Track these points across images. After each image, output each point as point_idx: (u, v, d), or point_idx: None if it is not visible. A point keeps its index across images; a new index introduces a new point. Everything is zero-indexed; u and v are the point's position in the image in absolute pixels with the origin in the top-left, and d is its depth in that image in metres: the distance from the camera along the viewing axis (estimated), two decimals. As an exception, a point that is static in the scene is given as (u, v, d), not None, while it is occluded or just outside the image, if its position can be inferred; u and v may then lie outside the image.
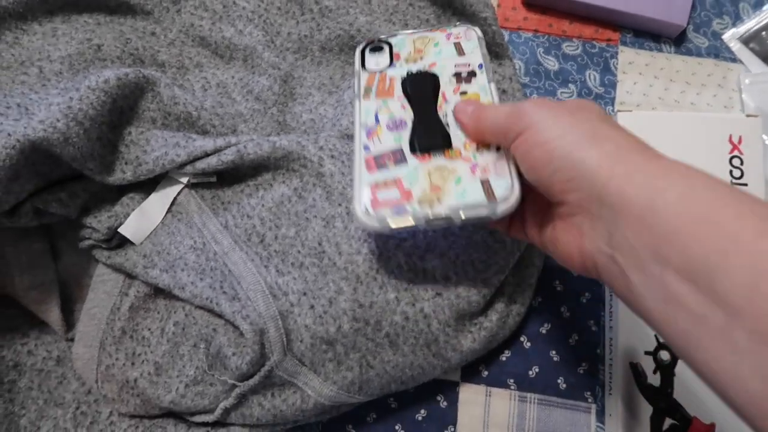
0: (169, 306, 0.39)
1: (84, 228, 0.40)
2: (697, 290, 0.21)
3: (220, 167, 0.39)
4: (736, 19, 0.47)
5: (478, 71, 0.36)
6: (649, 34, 0.48)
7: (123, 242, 0.40)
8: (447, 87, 0.36)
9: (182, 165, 0.39)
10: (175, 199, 0.40)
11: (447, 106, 0.35)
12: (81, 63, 0.39)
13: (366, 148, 0.34)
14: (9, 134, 0.33)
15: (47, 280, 0.40)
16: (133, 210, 0.39)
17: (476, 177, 0.31)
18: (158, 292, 0.39)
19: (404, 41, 0.39)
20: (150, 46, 0.43)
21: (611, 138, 0.26)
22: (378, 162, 0.33)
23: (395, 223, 0.30)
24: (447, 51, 0.38)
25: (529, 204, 0.32)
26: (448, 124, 0.34)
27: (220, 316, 0.37)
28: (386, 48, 0.39)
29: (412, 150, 0.33)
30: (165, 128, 0.40)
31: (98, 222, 0.39)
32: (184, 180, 0.40)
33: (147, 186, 0.40)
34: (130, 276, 0.40)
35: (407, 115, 0.35)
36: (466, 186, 0.31)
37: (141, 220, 0.39)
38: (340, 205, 0.38)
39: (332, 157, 0.39)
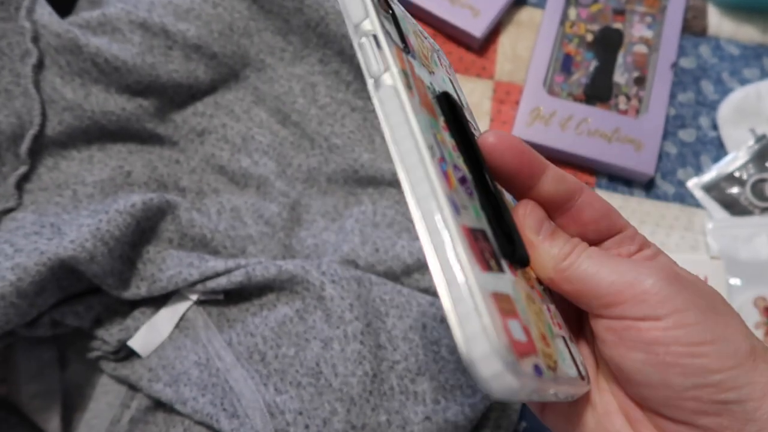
0: (168, 420, 0.40)
1: (94, 339, 0.42)
2: None
3: (228, 287, 0.42)
4: (698, 170, 0.53)
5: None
6: (622, 180, 0.53)
7: (130, 354, 0.42)
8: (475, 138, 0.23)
9: (194, 283, 0.42)
10: (183, 314, 0.43)
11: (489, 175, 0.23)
12: (111, 187, 0.43)
13: (453, 204, 0.18)
14: (42, 252, 0.37)
15: (52, 389, 0.41)
16: (143, 324, 0.42)
17: (556, 330, 0.22)
18: (159, 405, 0.41)
19: (407, 22, 0.24)
20: (174, 173, 0.47)
21: None
22: (482, 250, 0.19)
23: (540, 396, 0.18)
24: (442, 76, 0.25)
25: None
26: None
27: (218, 432, 0.38)
28: (391, 17, 0.22)
29: (504, 253, 0.21)
30: (180, 248, 0.44)
31: (109, 335, 0.41)
32: (194, 297, 0.43)
33: (158, 301, 0.43)
34: (134, 388, 0.41)
35: (465, 170, 0.21)
36: (558, 344, 0.21)
37: (150, 334, 0.42)
38: (338, 327, 0.41)
39: (333, 281, 0.42)
